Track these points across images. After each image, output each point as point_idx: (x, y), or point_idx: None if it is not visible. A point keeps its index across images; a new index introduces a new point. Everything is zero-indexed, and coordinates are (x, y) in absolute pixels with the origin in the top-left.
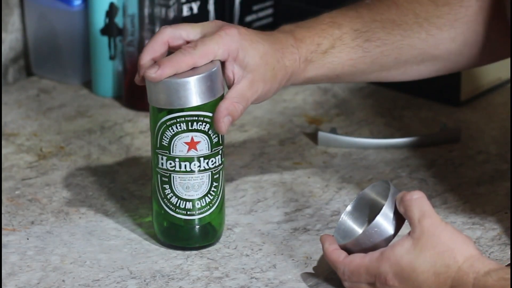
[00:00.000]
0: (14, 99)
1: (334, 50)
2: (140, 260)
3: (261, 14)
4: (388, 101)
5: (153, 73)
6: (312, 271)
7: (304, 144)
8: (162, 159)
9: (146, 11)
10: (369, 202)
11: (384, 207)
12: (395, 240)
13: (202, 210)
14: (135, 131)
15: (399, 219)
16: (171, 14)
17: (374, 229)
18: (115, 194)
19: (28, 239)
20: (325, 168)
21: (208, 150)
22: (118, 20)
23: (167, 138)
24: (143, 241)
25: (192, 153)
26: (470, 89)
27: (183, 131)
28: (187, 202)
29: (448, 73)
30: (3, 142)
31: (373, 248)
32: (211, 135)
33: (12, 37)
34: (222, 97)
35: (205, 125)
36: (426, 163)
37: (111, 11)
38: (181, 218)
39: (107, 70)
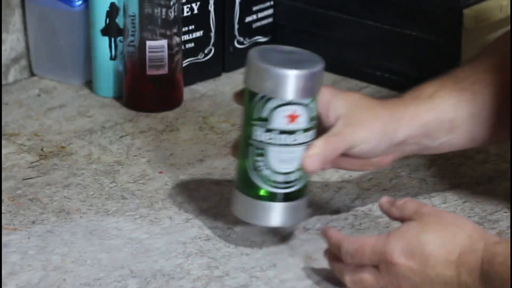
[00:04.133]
0: (15, 99)
1: (441, 92)
2: (141, 260)
3: (260, 14)
4: None
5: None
6: (312, 270)
7: None
8: (259, 130)
9: (147, 11)
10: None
11: None
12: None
13: (290, 184)
14: (135, 131)
15: None
16: (172, 14)
17: None
18: (116, 193)
19: (29, 238)
20: None
21: (307, 123)
22: (119, 20)
23: (268, 110)
24: (143, 240)
25: (292, 126)
26: None
27: (285, 104)
28: (279, 175)
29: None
30: (4, 142)
31: None
32: (311, 108)
33: (13, 37)
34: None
35: (307, 98)
36: (425, 162)
37: (112, 11)
38: (268, 190)
39: (107, 70)
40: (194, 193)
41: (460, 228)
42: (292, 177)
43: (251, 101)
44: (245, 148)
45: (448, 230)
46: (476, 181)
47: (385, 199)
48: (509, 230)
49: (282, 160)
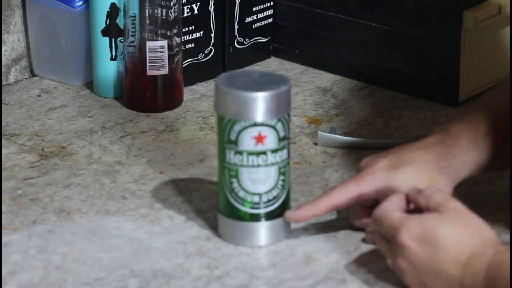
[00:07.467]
0: (16, 99)
1: (494, 131)
2: (141, 259)
3: (260, 15)
4: (387, 101)
5: (289, 213)
6: (312, 270)
7: (304, 144)
8: (230, 153)
9: (147, 12)
10: None
11: None
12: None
13: (268, 204)
14: (136, 131)
15: None
16: (172, 15)
17: None
18: (116, 193)
19: (30, 238)
20: (325, 167)
21: (276, 144)
22: (119, 21)
23: (235, 133)
24: (144, 240)
25: (260, 147)
26: (468, 89)
27: (250, 126)
28: (255, 196)
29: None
30: (5, 142)
31: None
32: (278, 129)
33: (14, 38)
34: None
35: (271, 120)
36: None
37: (112, 12)
38: (247, 212)
39: (108, 71)
40: (194, 193)
41: (478, 232)
42: (269, 196)
43: (221, 125)
44: (221, 170)
45: (467, 231)
46: (475, 181)
47: (411, 188)
48: (508, 230)
49: (255, 181)
